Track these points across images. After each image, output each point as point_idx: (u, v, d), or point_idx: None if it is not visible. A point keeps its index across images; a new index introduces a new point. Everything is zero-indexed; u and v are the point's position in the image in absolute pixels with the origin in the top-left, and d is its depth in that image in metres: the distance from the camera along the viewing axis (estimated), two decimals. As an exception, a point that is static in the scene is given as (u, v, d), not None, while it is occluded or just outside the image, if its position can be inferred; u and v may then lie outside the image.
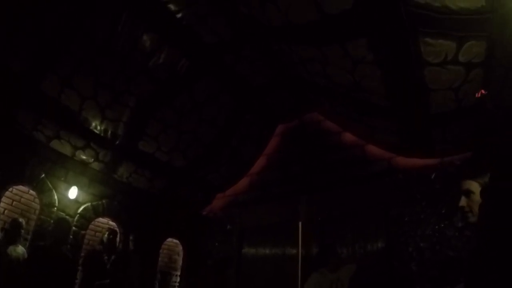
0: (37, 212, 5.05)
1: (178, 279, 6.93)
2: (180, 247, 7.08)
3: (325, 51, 4.39)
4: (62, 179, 5.37)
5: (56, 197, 5.19)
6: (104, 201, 5.90)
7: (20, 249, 4.47)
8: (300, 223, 6.16)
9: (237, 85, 6.17)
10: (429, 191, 4.95)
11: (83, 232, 5.48)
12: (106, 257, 5.16)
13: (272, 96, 6.68)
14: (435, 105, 4.30)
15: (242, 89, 6.28)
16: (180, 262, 7.05)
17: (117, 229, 5.81)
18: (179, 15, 4.92)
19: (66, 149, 5.35)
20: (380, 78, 4.30)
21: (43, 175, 5.10)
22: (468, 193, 2.07)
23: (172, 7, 4.81)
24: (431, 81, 3.97)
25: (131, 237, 5.72)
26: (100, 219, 5.94)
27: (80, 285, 5.05)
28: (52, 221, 5.03)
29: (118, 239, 5.68)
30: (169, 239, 6.93)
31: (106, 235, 5.40)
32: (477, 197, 2.05)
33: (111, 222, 6.06)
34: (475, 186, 2.08)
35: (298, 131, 6.98)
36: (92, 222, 5.78)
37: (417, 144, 5.21)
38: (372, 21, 3.66)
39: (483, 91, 3.83)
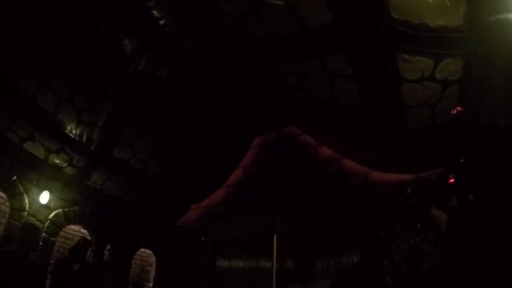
0: (6, 216, 4.86)
1: (151, 291, 6.77)
2: (153, 258, 6.93)
3: (304, 64, 4.47)
4: (34, 183, 5.20)
5: (27, 201, 5.02)
6: (76, 207, 5.74)
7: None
8: (275, 236, 6.14)
9: (216, 95, 6.19)
10: (404, 206, 5.03)
11: (53, 239, 5.30)
12: (75, 266, 4.99)
13: (250, 108, 6.73)
14: (411, 121, 4.39)
15: (221, 99, 6.30)
16: (152, 273, 6.89)
17: (89, 238, 5.65)
18: (161, 22, 4.93)
19: (40, 152, 5.20)
20: (357, 93, 4.38)
21: (15, 178, 4.93)
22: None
23: (155, 13, 4.81)
24: (407, 98, 4.06)
25: (102, 246, 5.56)
26: (72, 226, 5.77)
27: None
28: (21, 226, 4.84)
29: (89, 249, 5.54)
30: (142, 250, 6.78)
31: (78, 244, 5.24)
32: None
33: (82, 230, 5.89)
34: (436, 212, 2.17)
35: (275, 144, 7.03)
36: (63, 229, 5.59)
37: (392, 160, 5.31)
38: (351, 36, 3.74)
39: (458, 108, 3.94)
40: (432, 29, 3.32)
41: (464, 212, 2.11)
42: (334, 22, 3.62)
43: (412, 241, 4.78)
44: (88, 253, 5.45)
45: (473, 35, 3.30)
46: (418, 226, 4.79)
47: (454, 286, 2.26)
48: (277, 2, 3.80)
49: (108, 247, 5.48)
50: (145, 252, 6.88)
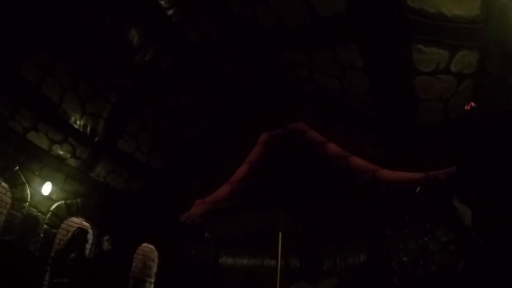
0: (8, 206, 4.77)
1: (152, 287, 6.66)
2: (156, 253, 6.83)
3: (315, 55, 4.34)
4: (37, 173, 5.12)
5: (28, 191, 4.93)
6: (78, 199, 5.66)
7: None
8: (280, 234, 6.02)
9: (222, 88, 6.10)
10: (413, 205, 4.91)
11: (54, 231, 5.22)
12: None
13: (257, 102, 6.62)
14: (423, 116, 4.26)
15: (227, 92, 6.21)
16: (154, 268, 6.79)
17: (87, 229, 5.56)
18: (170, 12, 4.85)
19: (43, 143, 5.12)
20: (368, 86, 4.26)
21: (17, 168, 4.85)
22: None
23: (163, 3, 4.75)
24: (421, 91, 3.93)
25: (104, 239, 5.46)
26: (74, 219, 5.69)
27: (48, 287, 4.76)
28: (22, 217, 4.75)
29: (87, 239, 5.46)
30: (145, 244, 6.68)
31: (73, 235, 5.16)
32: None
33: (84, 223, 5.80)
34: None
35: (282, 140, 6.93)
36: (65, 221, 5.51)
37: (402, 157, 5.17)
38: (365, 25, 3.62)
39: (472, 104, 3.82)
40: (448, 19, 3.20)
41: (488, 206, 2.00)
42: (347, 11, 3.51)
43: (420, 241, 4.67)
44: (86, 244, 5.37)
45: (489, 27, 3.19)
46: (427, 226, 4.67)
47: (471, 284, 2.13)
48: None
49: (108, 238, 5.35)
50: (147, 247, 6.79)
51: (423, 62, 3.61)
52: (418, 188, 4.95)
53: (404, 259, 4.66)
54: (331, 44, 4.04)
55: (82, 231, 5.13)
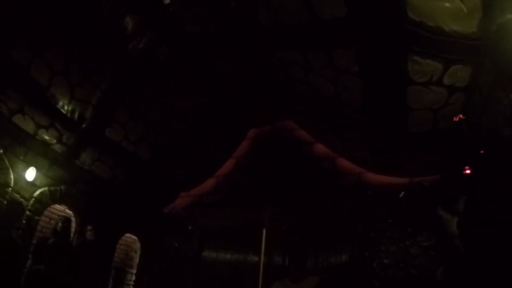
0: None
1: (134, 277, 6.64)
2: (138, 244, 6.80)
3: (310, 57, 4.38)
4: (21, 158, 5.00)
5: (12, 176, 4.80)
6: (62, 187, 5.55)
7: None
8: (264, 230, 6.09)
9: (214, 81, 6.09)
10: (396, 209, 5.04)
11: (37, 217, 5.12)
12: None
13: (248, 99, 6.64)
14: (411, 124, 4.37)
15: (219, 86, 6.21)
16: (137, 259, 6.76)
17: (71, 218, 5.49)
18: (166, 1, 4.80)
19: (29, 126, 5.00)
20: (361, 91, 4.33)
21: (1, 151, 4.71)
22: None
23: (160, -9, 4.69)
24: (412, 100, 4.03)
25: (87, 228, 5.41)
26: (57, 206, 5.59)
27: (28, 274, 4.70)
28: (5, 202, 4.65)
29: (72, 228, 5.41)
30: (127, 235, 6.64)
31: (59, 224, 5.11)
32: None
33: (67, 210, 5.72)
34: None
35: (270, 137, 6.96)
36: (48, 209, 5.42)
37: (388, 162, 5.29)
38: (364, 32, 3.68)
39: (461, 116, 3.93)
40: (446, 33, 3.29)
41: (476, 214, 2.09)
42: (347, 16, 3.55)
43: (401, 244, 4.80)
44: (70, 233, 5.33)
45: (484, 44, 3.29)
46: (409, 230, 4.80)
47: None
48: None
49: (91, 228, 5.31)
50: (130, 237, 6.74)
51: (418, 73, 3.69)
52: (402, 193, 5.07)
53: (386, 261, 4.79)
54: (328, 47, 4.08)
55: (66, 220, 5.07)
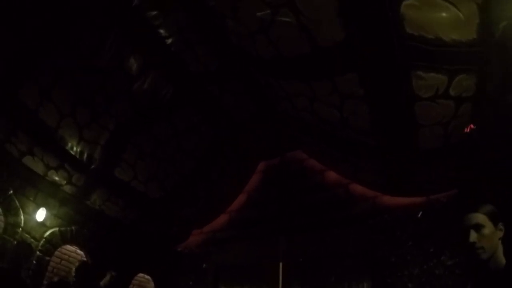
0: (0, 231, 4.64)
1: (148, 319, 6.43)
2: (152, 284, 6.62)
3: (314, 86, 4.35)
4: (31, 198, 5.02)
5: (22, 217, 4.82)
6: (73, 227, 5.53)
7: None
8: (280, 264, 5.88)
9: (219, 118, 6.10)
10: (415, 230, 4.84)
11: (47, 258, 5.06)
12: None
13: (255, 132, 6.62)
14: (423, 141, 4.26)
15: (225, 122, 6.21)
16: (151, 300, 6.56)
17: (88, 262, 5.40)
18: (169, 41, 4.91)
19: (39, 168, 5.05)
20: (368, 114, 4.25)
21: (11, 191, 4.76)
22: (478, 228, 1.93)
23: (162, 32, 4.79)
24: (421, 116, 3.93)
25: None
26: (68, 247, 5.53)
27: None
28: (15, 242, 4.61)
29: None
30: (141, 275, 6.48)
31: (76, 268, 5.01)
32: (487, 230, 1.94)
33: (79, 251, 5.64)
34: (483, 219, 1.97)
35: (280, 169, 6.88)
36: (59, 249, 5.35)
37: (402, 183, 5.14)
38: (364, 54, 3.66)
39: (472, 126, 3.84)
40: (446, 43, 3.24)
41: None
42: (346, 39, 3.55)
43: (425, 266, 4.57)
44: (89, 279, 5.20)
45: (486, 50, 3.25)
46: (431, 250, 4.58)
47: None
48: (288, 19, 3.77)
49: (105, 270, 5.19)
50: (143, 277, 6.58)
51: (423, 88, 3.62)
52: (420, 213, 4.89)
53: (410, 285, 4.54)
54: (331, 73, 4.05)
55: (85, 264, 4.98)
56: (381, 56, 3.56)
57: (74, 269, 5.00)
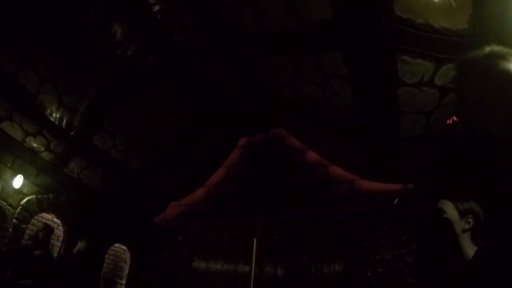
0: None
1: (123, 288, 6.48)
2: (128, 255, 6.64)
3: (298, 61, 4.29)
4: (9, 165, 4.92)
5: (-1, 183, 4.73)
6: (50, 195, 5.46)
7: None
8: (255, 240, 5.93)
9: (203, 92, 6.03)
10: (390, 216, 4.90)
11: (24, 226, 5.01)
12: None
13: (238, 109, 6.57)
14: (404, 128, 4.26)
15: (208, 97, 6.14)
16: (126, 270, 6.60)
17: (52, 226, 5.36)
18: (155, 8, 4.77)
19: (17, 133, 4.94)
20: (351, 96, 4.22)
21: (-12, 158, 4.66)
22: (440, 212, 1.99)
23: (149, -2, 4.65)
24: (404, 103, 3.92)
25: (75, 238, 5.27)
26: (45, 215, 5.47)
27: (8, 284, 4.54)
28: (-10, 209, 4.56)
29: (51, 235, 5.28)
30: (117, 245, 6.50)
31: (40, 231, 4.99)
32: (449, 217, 1.98)
33: (55, 219, 5.60)
34: (447, 206, 2.01)
35: (262, 146, 6.88)
36: (36, 217, 5.30)
37: (381, 168, 5.17)
38: (351, 33, 3.59)
39: (454, 118, 3.83)
40: (435, 30, 3.19)
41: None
42: (333, 17, 3.47)
43: (397, 252, 4.65)
44: (50, 241, 5.19)
45: (474, 41, 3.21)
46: (404, 238, 4.66)
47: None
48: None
49: (85, 241, 5.16)
50: (120, 247, 6.60)
51: (408, 73, 3.59)
52: (396, 200, 4.94)
53: (380, 270, 4.63)
54: (316, 50, 3.99)
55: (47, 227, 4.94)
56: (368, 36, 3.48)
57: (37, 232, 5.00)
